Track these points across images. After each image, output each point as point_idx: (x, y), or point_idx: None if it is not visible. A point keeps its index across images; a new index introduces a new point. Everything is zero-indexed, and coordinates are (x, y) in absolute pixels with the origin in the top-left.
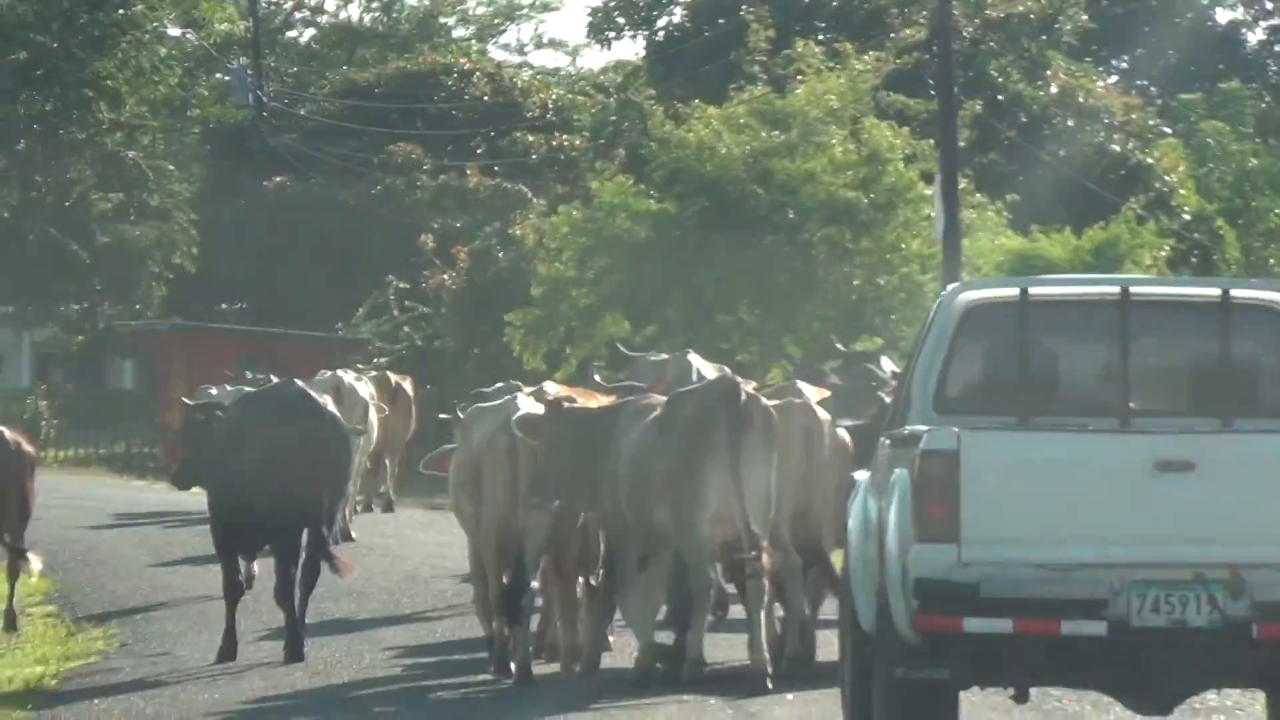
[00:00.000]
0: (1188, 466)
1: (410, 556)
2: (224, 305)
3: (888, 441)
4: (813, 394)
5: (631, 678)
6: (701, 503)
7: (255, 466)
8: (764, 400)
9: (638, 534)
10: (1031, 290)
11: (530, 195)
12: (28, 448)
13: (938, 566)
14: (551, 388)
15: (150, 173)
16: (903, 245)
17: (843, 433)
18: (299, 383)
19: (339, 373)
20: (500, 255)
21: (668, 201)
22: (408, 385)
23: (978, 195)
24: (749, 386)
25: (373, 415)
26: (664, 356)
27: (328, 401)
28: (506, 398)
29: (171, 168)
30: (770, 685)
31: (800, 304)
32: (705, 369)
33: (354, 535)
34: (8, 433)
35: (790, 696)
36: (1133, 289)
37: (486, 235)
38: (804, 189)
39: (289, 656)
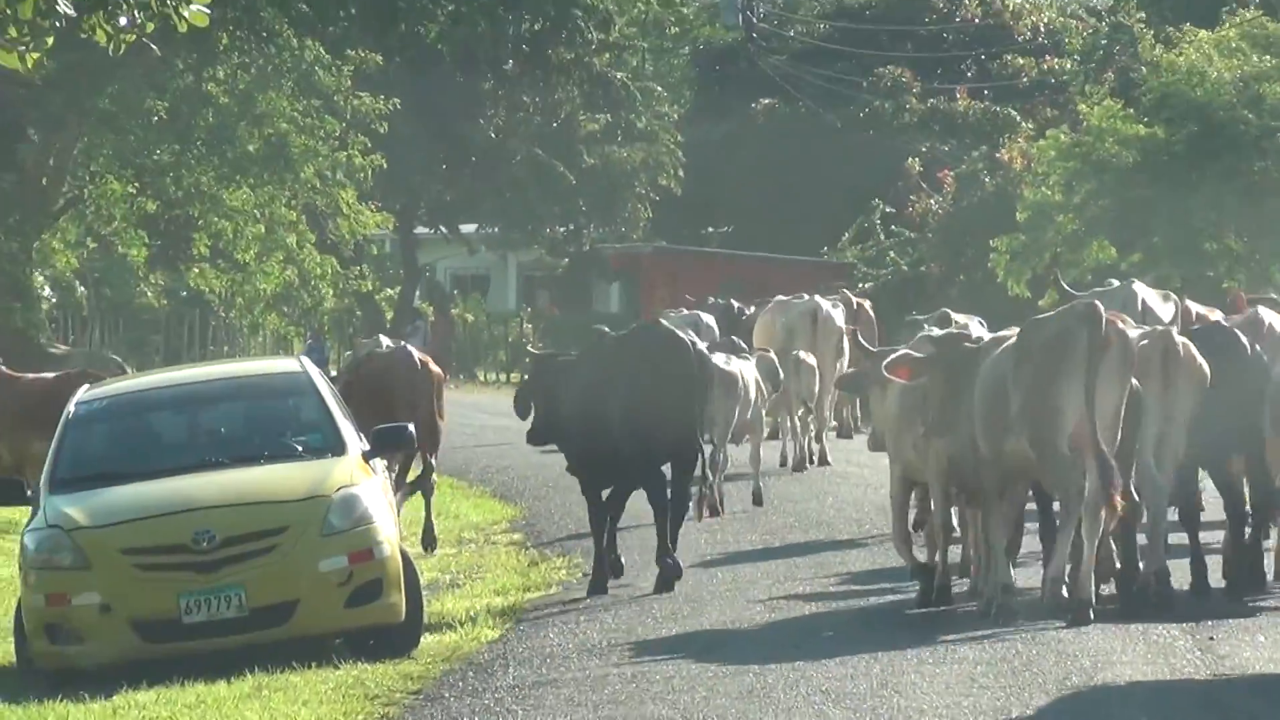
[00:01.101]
0: None
1: (884, 485)
2: (709, 228)
3: None
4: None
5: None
6: (1060, 425)
7: (612, 415)
8: (1123, 325)
9: (991, 467)
10: None
11: (1019, 119)
12: (434, 368)
13: None
14: None
15: (638, 94)
16: None
17: (1203, 361)
18: (663, 323)
19: (817, 299)
20: (987, 180)
21: (1157, 126)
22: (868, 306)
23: None
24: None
25: (847, 343)
26: (1113, 285)
27: (692, 340)
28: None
29: (659, 89)
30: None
31: None
32: (1151, 299)
33: (829, 460)
34: (416, 353)
35: (1261, 638)
36: None
37: (973, 159)
38: None
39: (659, 586)
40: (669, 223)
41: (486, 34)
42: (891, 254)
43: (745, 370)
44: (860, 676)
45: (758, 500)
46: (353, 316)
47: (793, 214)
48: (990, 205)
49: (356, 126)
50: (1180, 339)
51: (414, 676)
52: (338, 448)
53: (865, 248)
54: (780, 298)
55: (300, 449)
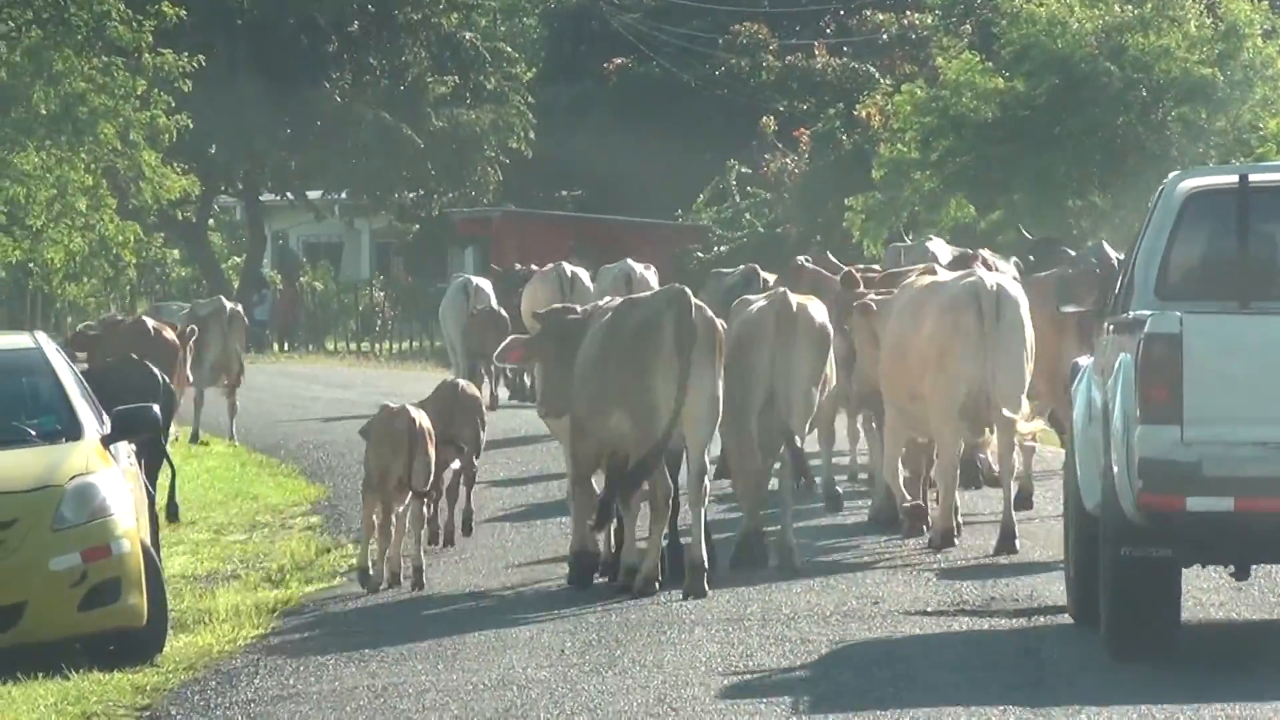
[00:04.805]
0: None
1: None
2: (561, 191)
3: (1111, 327)
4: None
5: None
6: (656, 413)
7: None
8: (709, 312)
9: (587, 440)
10: (1251, 177)
11: (878, 76)
12: (169, 336)
13: (1161, 446)
14: None
15: (487, 55)
16: (1260, 125)
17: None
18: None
19: (628, 261)
20: (844, 138)
21: (1016, 79)
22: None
23: None
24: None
25: None
26: (909, 243)
27: None
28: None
29: (509, 50)
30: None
31: (1153, 186)
32: (944, 255)
33: None
34: (151, 322)
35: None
36: None
37: (830, 117)
38: (1158, 66)
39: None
40: (520, 186)
41: None
42: (748, 215)
43: None
44: (636, 690)
45: None
46: (199, 285)
47: (646, 176)
48: (847, 164)
49: (160, 85)
50: (796, 300)
51: (147, 689)
52: (73, 432)
53: (721, 210)
54: (541, 269)
55: (31, 433)
